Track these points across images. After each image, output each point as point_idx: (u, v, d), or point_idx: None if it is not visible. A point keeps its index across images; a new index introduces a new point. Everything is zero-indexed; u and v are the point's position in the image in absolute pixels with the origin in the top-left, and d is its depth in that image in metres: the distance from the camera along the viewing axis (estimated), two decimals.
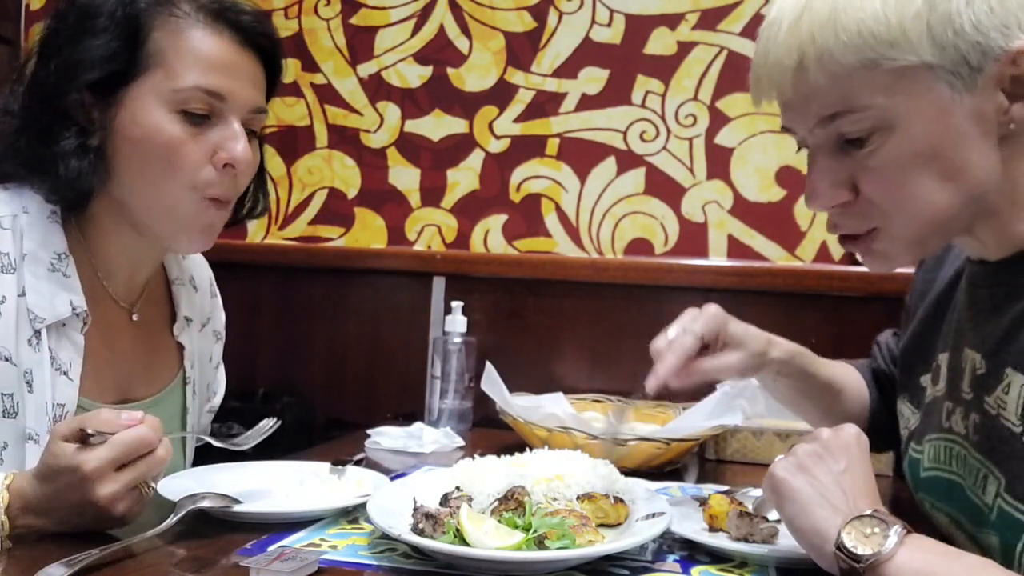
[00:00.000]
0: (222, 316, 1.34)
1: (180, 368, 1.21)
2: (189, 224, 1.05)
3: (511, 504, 0.91)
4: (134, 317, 1.14)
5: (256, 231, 2.15)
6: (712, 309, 1.08)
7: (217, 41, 1.02)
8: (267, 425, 1.07)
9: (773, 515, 0.90)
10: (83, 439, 0.85)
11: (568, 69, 1.99)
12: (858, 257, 0.90)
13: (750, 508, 0.94)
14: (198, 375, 1.24)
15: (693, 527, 0.96)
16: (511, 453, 1.06)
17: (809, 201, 0.86)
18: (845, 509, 0.76)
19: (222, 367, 1.35)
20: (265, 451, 1.21)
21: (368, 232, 2.09)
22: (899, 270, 0.91)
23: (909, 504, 1.04)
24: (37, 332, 1.00)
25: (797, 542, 0.80)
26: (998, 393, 0.82)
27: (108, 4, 1.00)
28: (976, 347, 0.88)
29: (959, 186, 0.79)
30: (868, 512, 0.75)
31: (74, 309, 1.03)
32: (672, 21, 1.93)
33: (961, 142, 0.78)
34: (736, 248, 1.91)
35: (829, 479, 0.79)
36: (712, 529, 0.96)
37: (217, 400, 1.33)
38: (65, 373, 1.02)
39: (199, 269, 1.30)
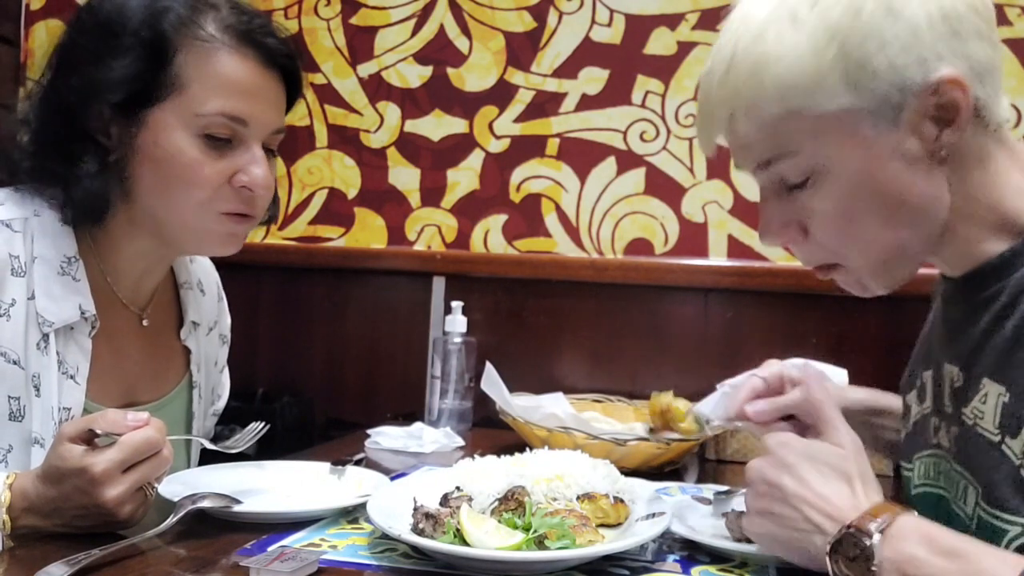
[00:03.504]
0: (228, 320, 1.34)
1: (186, 372, 1.21)
2: (208, 236, 1.06)
3: (511, 504, 0.91)
4: (144, 322, 1.13)
5: (256, 231, 2.13)
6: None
7: (241, 65, 1.01)
8: (255, 428, 1.09)
9: None
10: (90, 440, 0.85)
11: (568, 69, 1.98)
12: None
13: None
14: (204, 379, 1.24)
15: (693, 527, 0.96)
16: (511, 453, 1.06)
17: (761, 237, 0.89)
18: (821, 533, 0.77)
19: (227, 370, 1.35)
20: (265, 451, 1.21)
21: (368, 232, 2.09)
22: None
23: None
24: (45, 336, 1.00)
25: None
26: (975, 403, 0.83)
27: (132, 22, 0.99)
28: (953, 361, 0.89)
29: (902, 218, 0.81)
30: (841, 534, 0.75)
31: (83, 313, 1.02)
32: (672, 21, 1.93)
33: (895, 177, 0.80)
34: (736, 248, 1.91)
35: (788, 510, 0.80)
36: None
37: (221, 403, 1.33)
38: (72, 377, 1.02)
39: (207, 273, 1.30)
